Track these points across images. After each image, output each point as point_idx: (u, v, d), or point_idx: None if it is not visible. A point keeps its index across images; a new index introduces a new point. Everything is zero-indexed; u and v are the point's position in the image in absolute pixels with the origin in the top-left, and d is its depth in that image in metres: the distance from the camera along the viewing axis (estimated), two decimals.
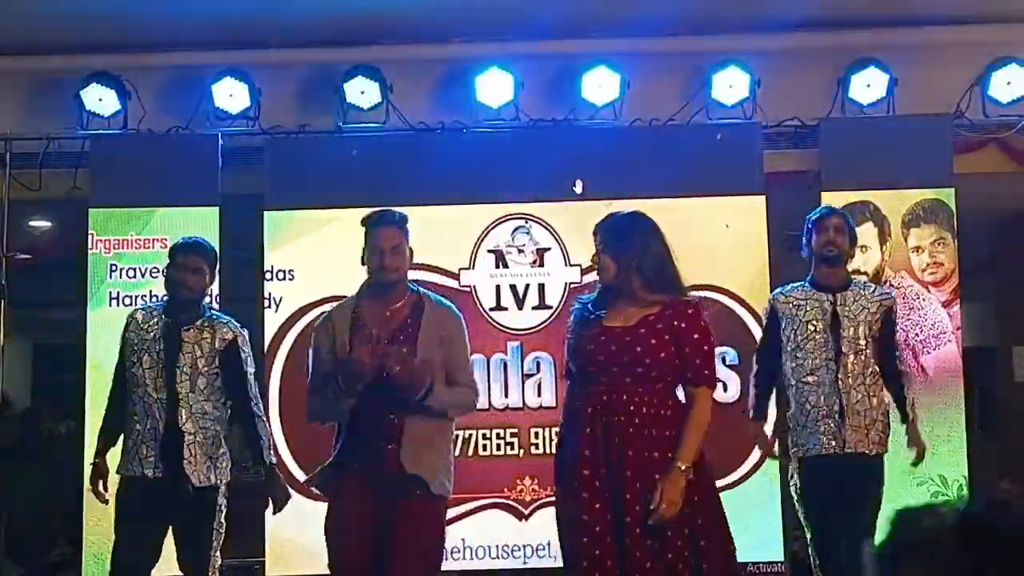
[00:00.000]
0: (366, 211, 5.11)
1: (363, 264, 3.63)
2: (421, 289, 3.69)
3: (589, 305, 3.32)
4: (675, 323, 3.20)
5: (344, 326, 3.57)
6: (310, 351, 3.69)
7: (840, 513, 4.02)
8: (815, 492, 4.09)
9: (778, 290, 4.31)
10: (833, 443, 4.04)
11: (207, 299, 4.16)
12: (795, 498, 4.21)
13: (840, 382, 4.03)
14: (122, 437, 4.02)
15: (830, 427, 4.04)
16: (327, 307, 4.00)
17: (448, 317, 3.63)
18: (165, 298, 4.21)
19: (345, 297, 3.77)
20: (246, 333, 4.08)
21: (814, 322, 4.09)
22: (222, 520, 4.03)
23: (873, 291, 4.23)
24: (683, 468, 3.08)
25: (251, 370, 4.04)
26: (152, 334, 3.97)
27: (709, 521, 3.18)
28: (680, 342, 3.20)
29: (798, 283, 4.24)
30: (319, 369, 3.58)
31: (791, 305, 4.16)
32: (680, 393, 3.25)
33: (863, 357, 4.06)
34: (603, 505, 3.10)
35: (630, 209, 3.43)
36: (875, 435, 4.07)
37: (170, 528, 3.98)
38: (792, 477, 4.20)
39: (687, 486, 3.09)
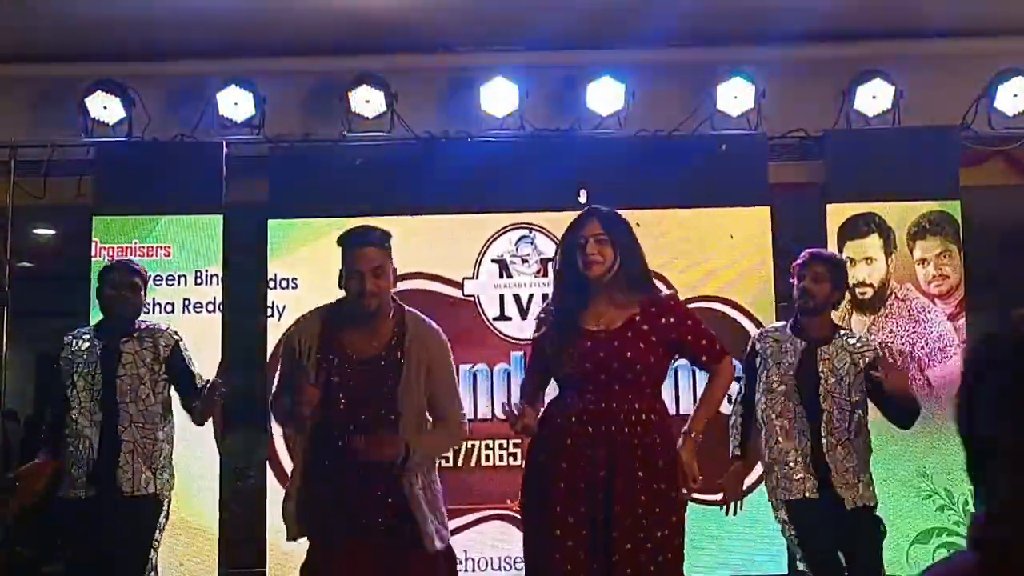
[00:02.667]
0: (369, 220, 5.16)
1: (340, 287, 3.32)
2: (406, 308, 3.37)
3: (560, 308, 3.25)
4: (661, 320, 3.17)
5: (310, 351, 3.26)
6: (281, 354, 3.50)
7: (836, 554, 3.82)
8: (807, 532, 3.86)
9: (762, 328, 4.20)
10: (810, 489, 3.82)
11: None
12: (789, 541, 3.96)
13: (821, 437, 3.82)
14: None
15: (803, 473, 3.83)
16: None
17: (432, 340, 3.31)
18: (97, 321, 4.21)
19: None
20: (181, 335, 4.16)
21: (786, 366, 3.91)
22: (158, 537, 4.00)
23: (857, 343, 3.95)
24: (694, 436, 3.15)
25: (195, 369, 4.13)
26: (84, 357, 4.00)
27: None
28: (676, 334, 3.18)
29: (782, 323, 4.09)
30: (285, 381, 3.34)
31: (768, 345, 3.99)
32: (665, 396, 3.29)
33: (848, 412, 3.85)
34: (578, 520, 3.04)
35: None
36: (862, 489, 3.85)
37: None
38: (779, 517, 3.95)
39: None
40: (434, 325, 3.38)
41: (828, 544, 3.83)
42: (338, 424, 3.22)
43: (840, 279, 3.98)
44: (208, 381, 4.02)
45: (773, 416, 3.90)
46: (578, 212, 4.95)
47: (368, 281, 3.21)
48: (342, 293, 3.35)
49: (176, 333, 4.16)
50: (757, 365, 3.99)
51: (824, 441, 3.83)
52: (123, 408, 3.94)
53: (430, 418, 3.36)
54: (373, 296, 3.22)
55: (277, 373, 3.49)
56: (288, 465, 5.05)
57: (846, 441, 3.85)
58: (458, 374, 5.01)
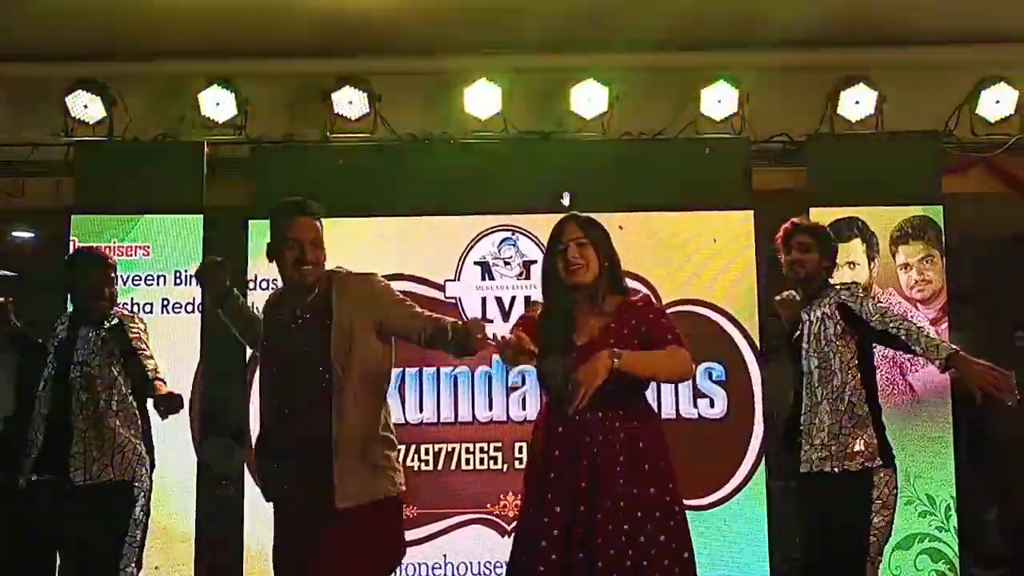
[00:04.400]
0: (352, 221, 5.14)
1: (270, 259, 3.28)
2: (334, 272, 3.29)
3: (549, 322, 3.19)
4: (632, 322, 3.12)
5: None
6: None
7: (823, 537, 3.75)
8: (801, 512, 3.84)
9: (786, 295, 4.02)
10: (808, 461, 3.76)
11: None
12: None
13: (805, 398, 3.77)
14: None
15: (799, 444, 3.77)
16: None
17: (359, 279, 3.25)
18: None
19: None
20: (139, 318, 4.01)
21: (786, 336, 3.94)
22: (133, 531, 3.89)
23: (829, 293, 3.83)
24: (613, 358, 2.93)
25: (141, 341, 3.90)
26: (56, 345, 3.94)
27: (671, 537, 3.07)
28: (646, 329, 3.12)
29: (788, 293, 4.02)
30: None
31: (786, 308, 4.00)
32: (651, 400, 3.24)
33: (830, 369, 3.73)
34: (561, 533, 3.02)
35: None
36: (837, 451, 3.69)
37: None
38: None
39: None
40: (362, 274, 3.29)
41: (800, 525, 3.80)
42: (277, 390, 3.22)
43: (827, 248, 3.89)
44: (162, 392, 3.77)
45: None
46: (561, 215, 4.97)
47: (308, 250, 3.18)
48: None
49: (128, 312, 4.04)
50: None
51: (805, 399, 3.77)
52: (74, 396, 3.86)
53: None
54: (313, 265, 3.20)
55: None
56: None
57: (824, 401, 3.73)
58: (439, 377, 5.10)
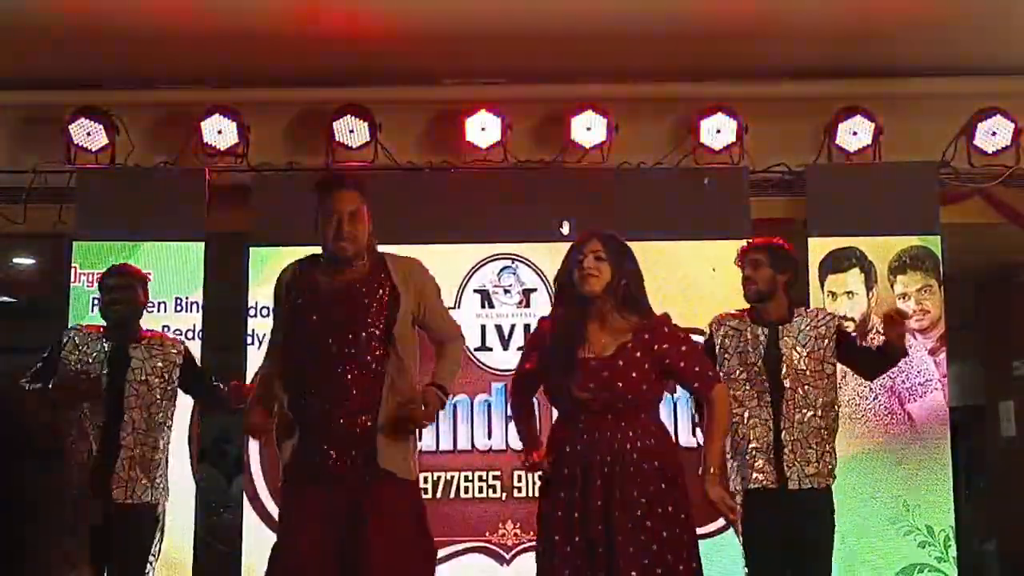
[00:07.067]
0: None
1: (315, 228, 3.22)
2: (382, 252, 3.30)
3: (556, 335, 3.23)
4: (655, 346, 3.15)
5: (280, 295, 3.25)
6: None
7: (785, 554, 3.77)
8: (756, 529, 3.80)
9: (719, 316, 4.04)
10: (769, 478, 3.78)
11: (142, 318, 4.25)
12: (738, 537, 3.87)
13: (782, 417, 3.79)
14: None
15: (764, 462, 3.79)
16: None
17: (415, 265, 3.30)
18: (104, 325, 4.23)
19: None
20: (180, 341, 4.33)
21: (747, 354, 3.87)
22: (155, 550, 3.97)
23: (817, 317, 3.94)
24: (714, 472, 3.10)
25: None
26: (92, 355, 3.99)
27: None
28: (668, 360, 3.16)
29: (739, 311, 4.01)
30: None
31: (725, 334, 3.94)
32: (663, 415, 3.32)
33: (810, 388, 3.82)
34: (575, 550, 3.05)
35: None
36: (822, 468, 3.81)
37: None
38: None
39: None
40: (411, 257, 3.36)
41: (776, 544, 3.78)
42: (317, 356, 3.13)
43: (781, 262, 3.93)
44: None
45: (735, 405, 3.83)
46: (560, 243, 4.98)
47: (345, 222, 3.14)
48: None
49: (183, 341, 4.31)
50: (716, 353, 3.93)
51: (783, 420, 3.81)
52: (127, 414, 3.90)
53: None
54: (350, 240, 3.16)
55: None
56: (266, 498, 5.03)
57: (811, 417, 3.82)
58: None
